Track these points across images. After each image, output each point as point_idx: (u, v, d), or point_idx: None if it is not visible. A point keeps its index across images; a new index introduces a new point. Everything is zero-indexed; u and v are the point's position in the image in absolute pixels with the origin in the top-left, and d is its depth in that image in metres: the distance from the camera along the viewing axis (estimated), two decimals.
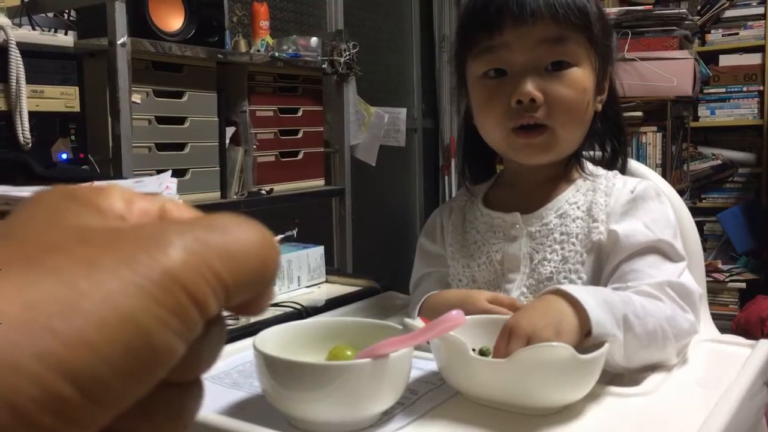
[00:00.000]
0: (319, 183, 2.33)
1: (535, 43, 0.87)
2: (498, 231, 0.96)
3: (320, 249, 1.27)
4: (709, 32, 3.57)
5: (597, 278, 0.88)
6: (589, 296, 0.72)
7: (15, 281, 0.19)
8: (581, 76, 0.89)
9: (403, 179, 3.43)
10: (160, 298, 0.20)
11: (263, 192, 2.06)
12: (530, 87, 0.87)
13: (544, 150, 0.91)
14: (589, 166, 0.97)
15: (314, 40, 2.25)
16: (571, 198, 0.93)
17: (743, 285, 3.30)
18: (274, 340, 0.66)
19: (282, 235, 1.32)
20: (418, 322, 0.66)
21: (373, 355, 0.58)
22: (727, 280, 3.32)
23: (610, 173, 0.96)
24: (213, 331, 0.23)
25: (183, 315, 0.20)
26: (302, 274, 1.21)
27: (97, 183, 1.06)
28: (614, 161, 1.00)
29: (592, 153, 1.00)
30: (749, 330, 2.82)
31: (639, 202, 0.89)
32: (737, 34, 3.52)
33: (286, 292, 1.18)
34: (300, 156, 2.25)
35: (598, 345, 0.66)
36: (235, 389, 0.70)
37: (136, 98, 1.71)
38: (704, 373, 0.78)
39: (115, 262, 0.20)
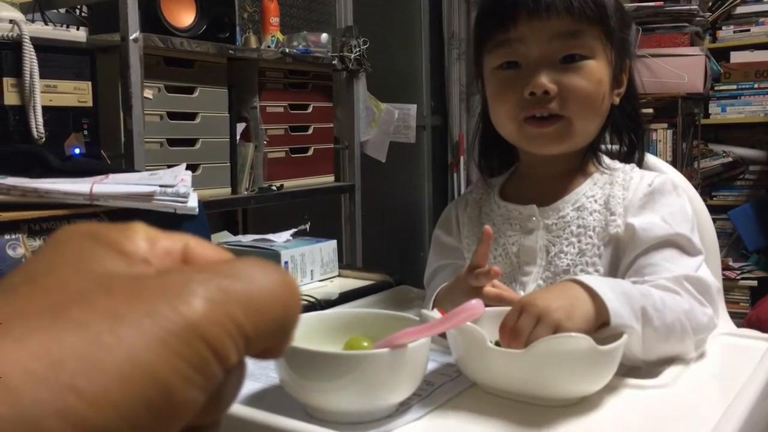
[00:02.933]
0: (329, 179, 2.33)
1: (549, 37, 0.87)
2: (514, 223, 0.96)
3: (333, 243, 1.27)
4: (720, 29, 3.55)
5: (614, 271, 0.88)
6: (606, 287, 0.72)
7: (41, 336, 0.19)
8: (596, 68, 0.88)
9: (413, 176, 3.42)
10: (182, 352, 0.20)
11: (273, 188, 2.06)
12: (544, 79, 0.87)
13: (559, 139, 0.91)
14: (606, 159, 0.96)
15: (324, 36, 2.25)
16: (589, 191, 0.93)
17: (754, 283, 3.28)
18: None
19: (295, 229, 1.32)
20: (435, 314, 0.66)
21: (390, 345, 0.58)
22: (738, 277, 3.30)
23: (628, 167, 0.95)
24: (233, 375, 0.23)
25: (204, 369, 0.20)
26: (315, 268, 1.21)
27: (113, 175, 1.06)
28: (631, 155, 0.99)
29: (609, 147, 1.00)
30: (761, 328, 2.80)
31: (657, 195, 0.89)
32: (749, 30, 3.50)
33: (299, 286, 1.19)
34: (310, 152, 2.25)
35: (617, 336, 0.66)
36: (252, 380, 0.70)
37: (148, 94, 1.72)
38: (722, 367, 0.78)
39: (138, 315, 0.20)
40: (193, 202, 1.04)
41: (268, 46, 2.11)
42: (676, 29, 3.09)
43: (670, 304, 0.75)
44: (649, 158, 1.04)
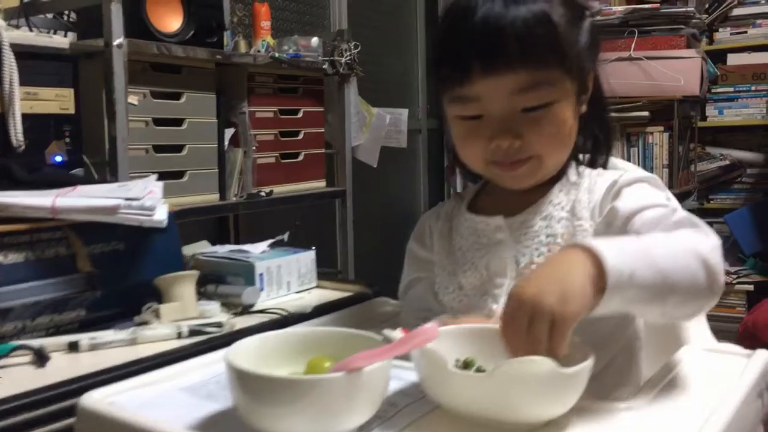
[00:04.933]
0: (320, 185, 2.32)
1: (507, 93, 0.84)
2: (482, 236, 0.95)
3: (311, 254, 1.25)
4: (717, 31, 3.53)
5: None
6: (603, 241, 0.70)
7: None
8: (561, 109, 0.87)
9: (408, 180, 3.41)
10: None
11: (263, 194, 2.05)
12: (506, 138, 0.86)
13: (530, 176, 0.91)
14: (580, 169, 0.96)
15: (315, 40, 2.23)
16: (555, 199, 0.93)
17: (751, 287, 3.26)
18: (249, 351, 0.64)
19: (272, 240, 1.30)
20: (398, 334, 0.65)
21: (346, 369, 0.56)
22: (734, 282, 3.28)
23: (594, 172, 0.95)
24: None
25: None
26: (292, 280, 1.19)
27: (81, 187, 1.05)
28: (597, 158, 0.98)
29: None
30: (757, 333, 2.79)
31: (623, 187, 0.89)
32: (746, 32, 3.48)
33: (275, 297, 1.17)
34: (300, 157, 2.24)
35: (582, 358, 0.64)
36: (210, 401, 0.68)
37: (133, 100, 1.70)
38: (697, 385, 0.76)
39: None
40: (160, 215, 1.03)
41: (258, 51, 2.09)
42: (672, 31, 3.06)
43: (675, 241, 0.73)
44: (617, 162, 1.03)
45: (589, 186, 0.92)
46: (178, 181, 1.84)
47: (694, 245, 0.73)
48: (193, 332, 0.99)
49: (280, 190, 2.13)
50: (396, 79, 3.23)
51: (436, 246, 0.99)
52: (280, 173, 2.15)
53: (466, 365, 0.70)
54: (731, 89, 3.46)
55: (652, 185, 0.90)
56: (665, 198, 0.88)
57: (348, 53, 2.26)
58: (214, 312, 1.06)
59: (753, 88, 3.42)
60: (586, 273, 0.67)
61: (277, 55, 2.08)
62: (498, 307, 0.89)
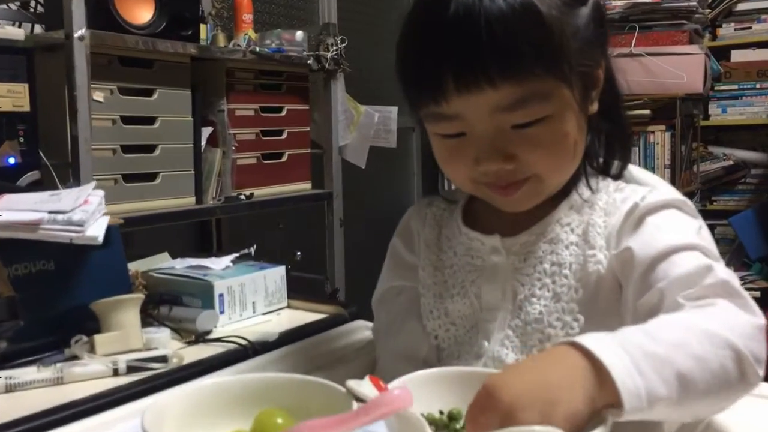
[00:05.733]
0: (305, 187, 2.19)
1: (490, 111, 0.70)
2: (475, 256, 0.81)
3: (280, 270, 1.12)
4: (720, 26, 3.41)
5: (595, 320, 0.73)
6: (615, 347, 0.55)
7: None
8: (558, 122, 0.71)
9: (400, 181, 3.28)
10: None
11: (242, 197, 1.92)
12: (495, 164, 0.71)
13: (529, 199, 0.76)
14: (593, 181, 0.80)
15: (299, 34, 2.11)
16: (564, 218, 0.78)
17: (757, 294, 3.13)
18: (181, 404, 0.52)
19: (236, 254, 1.17)
20: (365, 385, 0.52)
21: None
22: None
23: (612, 185, 0.80)
24: None
25: None
26: (258, 300, 1.06)
27: (7, 196, 0.92)
28: (610, 166, 0.82)
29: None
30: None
31: (647, 215, 0.73)
32: (750, 28, 3.36)
33: (238, 321, 1.04)
34: (284, 158, 2.11)
35: (596, 422, 0.51)
36: None
37: (99, 96, 1.57)
38: None
39: None
40: (94, 231, 0.90)
41: (238, 45, 1.97)
42: (674, 27, 2.96)
43: (712, 330, 0.58)
44: (634, 171, 0.85)
45: (606, 205, 0.77)
46: (150, 183, 1.72)
47: (728, 332, 0.59)
48: (131, 368, 0.85)
49: (262, 192, 2.01)
50: (385, 76, 3.10)
51: (422, 257, 0.85)
52: (262, 175, 2.03)
53: (452, 419, 0.58)
54: (735, 87, 3.34)
55: (684, 212, 0.75)
56: (697, 230, 0.73)
57: (334, 48, 2.13)
58: (163, 341, 0.92)
59: (757, 85, 3.31)
60: (586, 394, 0.54)
61: (257, 49, 1.95)
62: (489, 345, 0.76)
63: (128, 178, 1.65)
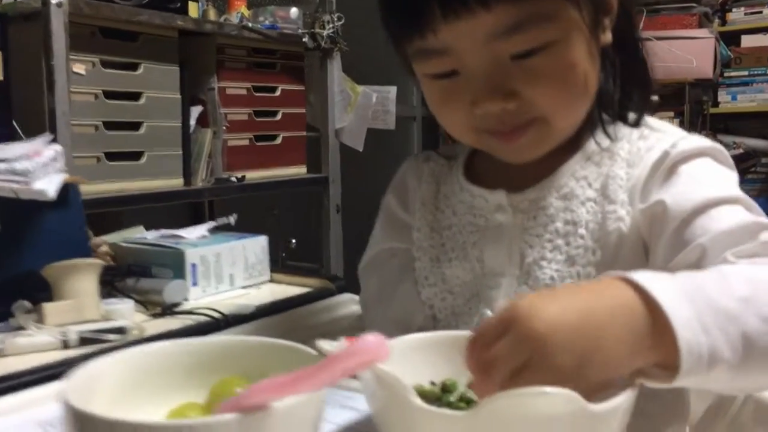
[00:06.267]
0: (300, 171, 2.11)
1: (484, 40, 0.61)
2: (478, 215, 0.72)
3: (261, 240, 1.03)
4: (730, 11, 3.33)
5: None
6: (680, 293, 0.45)
7: None
8: (567, 50, 0.63)
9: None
10: None
11: (233, 179, 1.83)
12: (495, 103, 0.62)
13: (536, 146, 0.67)
14: (612, 128, 0.70)
15: (294, 11, 2.02)
16: (580, 170, 0.69)
17: None
18: (117, 373, 0.43)
19: (214, 223, 1.09)
20: (341, 346, 0.43)
21: (241, 407, 0.35)
22: None
23: (635, 133, 0.70)
24: None
25: None
26: (237, 272, 0.97)
27: None
28: (627, 111, 0.71)
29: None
30: None
31: (680, 165, 0.64)
32: (761, 12, 3.27)
33: (213, 294, 0.95)
34: (278, 140, 2.03)
35: (616, 387, 0.43)
36: None
37: (79, 68, 1.49)
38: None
39: None
40: (44, 185, 0.81)
41: (227, 20, 1.88)
42: (682, 10, 2.88)
43: None
44: (653, 122, 0.72)
45: (629, 155, 0.68)
46: (135, 162, 1.63)
47: None
48: (84, 340, 0.76)
49: (255, 175, 1.93)
50: (384, 55, 3.01)
51: (417, 216, 0.76)
52: (255, 157, 1.95)
53: (445, 390, 0.49)
54: (745, 73, 3.26)
55: (721, 162, 0.66)
56: (737, 182, 0.64)
57: (330, 25, 2.05)
58: (124, 313, 0.83)
59: None
60: (633, 345, 0.45)
61: (250, 24, 1.87)
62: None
63: (111, 156, 1.57)
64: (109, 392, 0.43)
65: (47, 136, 0.91)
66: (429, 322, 0.72)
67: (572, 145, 0.70)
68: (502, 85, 0.62)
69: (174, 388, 0.47)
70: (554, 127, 0.66)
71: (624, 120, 0.71)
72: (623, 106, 0.71)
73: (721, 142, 2.73)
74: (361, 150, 2.15)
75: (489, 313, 0.67)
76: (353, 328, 0.76)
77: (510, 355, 0.43)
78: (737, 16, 3.31)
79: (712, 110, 3.26)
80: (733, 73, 3.28)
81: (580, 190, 0.68)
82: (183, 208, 2.20)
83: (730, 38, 3.30)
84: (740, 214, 0.59)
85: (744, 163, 3.35)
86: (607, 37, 0.67)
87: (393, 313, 0.75)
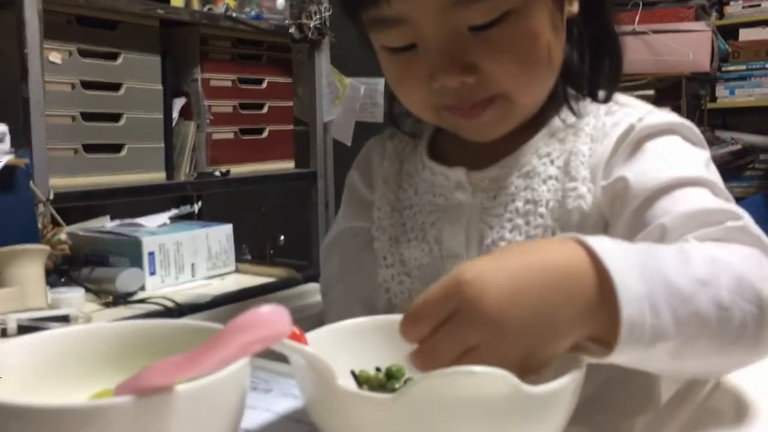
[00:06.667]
0: (287, 165, 2.07)
1: (441, 8, 0.58)
2: (438, 194, 0.68)
3: (226, 228, 1.00)
4: (728, 3, 3.27)
5: None
6: (634, 269, 0.42)
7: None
8: (528, 20, 0.59)
9: None
10: None
11: (217, 173, 1.80)
12: (453, 78, 0.59)
13: (500, 124, 0.64)
14: (577, 103, 0.66)
15: (280, 1, 1.99)
16: (543, 147, 0.65)
17: None
18: (24, 359, 0.40)
19: (176, 210, 1.05)
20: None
21: (138, 390, 0.31)
22: None
23: (602, 108, 0.66)
24: None
25: None
26: (199, 261, 0.93)
27: None
28: (596, 87, 0.68)
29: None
30: None
31: (646, 139, 0.61)
32: (759, 5, 3.22)
33: (173, 284, 0.91)
34: (264, 134, 1.99)
35: (566, 365, 0.39)
36: None
37: (55, 57, 1.46)
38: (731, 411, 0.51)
39: None
40: None
41: (210, 9, 1.85)
42: (679, 2, 2.85)
43: (743, 279, 0.46)
44: (622, 99, 0.69)
45: (593, 131, 0.64)
46: (115, 155, 1.60)
47: (761, 285, 0.46)
48: (23, 329, 0.73)
49: (240, 170, 1.89)
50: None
51: (378, 194, 0.73)
52: (240, 151, 1.91)
53: (390, 377, 0.46)
54: (743, 67, 3.20)
55: (689, 140, 0.63)
56: (705, 162, 0.61)
57: (318, 16, 2.01)
58: (73, 301, 0.80)
59: (767, 65, 3.17)
60: (581, 320, 0.42)
61: (235, 14, 1.83)
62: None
63: (90, 148, 1.54)
64: (15, 380, 0.39)
65: None
66: (386, 306, 0.69)
67: (537, 122, 0.66)
68: (461, 58, 0.59)
69: (95, 375, 0.43)
70: (517, 104, 0.62)
71: (594, 97, 0.67)
72: (593, 82, 0.67)
73: (719, 138, 2.67)
74: (349, 144, 2.11)
75: None
76: (319, 315, 0.73)
77: (457, 340, 0.40)
78: (735, 9, 3.26)
79: (710, 105, 3.21)
80: (731, 68, 3.23)
81: (542, 167, 0.64)
82: (168, 205, 2.17)
83: (728, 32, 3.25)
84: (706, 197, 0.57)
85: (742, 159, 3.31)
86: (574, 7, 0.64)
87: (356, 292, 0.72)
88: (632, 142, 0.61)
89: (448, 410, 0.35)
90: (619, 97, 0.68)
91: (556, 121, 0.66)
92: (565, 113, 0.66)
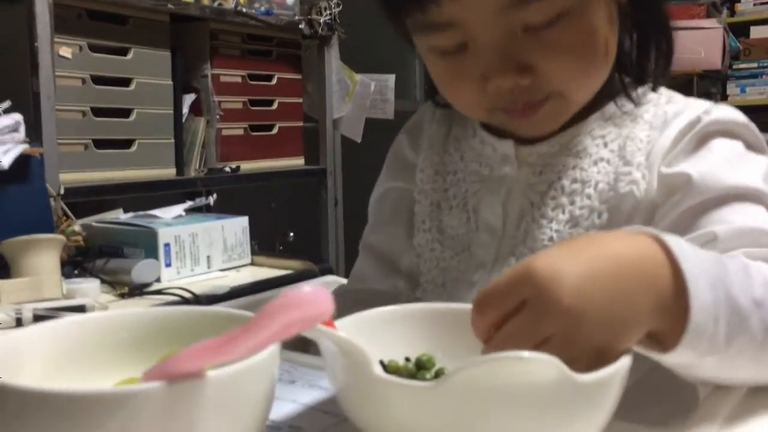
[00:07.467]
0: (297, 162, 2.06)
1: (496, 10, 0.55)
2: (484, 164, 0.67)
3: (242, 221, 0.98)
4: (739, 1, 3.25)
5: None
6: (705, 278, 0.42)
7: None
8: (586, 17, 0.57)
9: None
10: None
11: (227, 169, 1.79)
12: (508, 79, 0.57)
13: (554, 119, 0.63)
14: (635, 91, 0.64)
15: None
16: (598, 129, 0.64)
17: None
18: (48, 345, 0.39)
19: (191, 202, 1.04)
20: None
21: (168, 375, 0.30)
22: None
23: (663, 97, 0.64)
24: None
25: None
26: (214, 253, 0.92)
27: None
28: (645, 74, 0.65)
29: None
30: None
31: (711, 137, 0.59)
32: None
33: (189, 276, 0.90)
34: (274, 130, 1.98)
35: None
36: None
37: (65, 52, 1.45)
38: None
39: None
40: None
41: (220, 4, 1.84)
42: (690, 0, 2.81)
43: None
44: (667, 92, 0.67)
45: (653, 118, 0.63)
46: (125, 151, 1.59)
47: None
48: (39, 318, 0.72)
49: (250, 166, 1.88)
50: (382, 42, 2.95)
51: (422, 156, 0.71)
52: (250, 147, 1.90)
53: (420, 366, 0.44)
54: (755, 65, 3.18)
55: (751, 143, 0.61)
56: (764, 174, 0.59)
57: (328, 12, 2.00)
58: (88, 292, 0.78)
59: None
60: (650, 317, 0.41)
61: (245, 10, 1.82)
62: (478, 282, 0.62)
63: (100, 143, 1.52)
64: (39, 366, 0.38)
65: (5, 104, 0.86)
66: (413, 271, 0.68)
67: (590, 106, 0.64)
68: (515, 58, 0.57)
69: (118, 363, 0.42)
70: (571, 100, 0.61)
71: (643, 81, 0.65)
72: (642, 69, 0.65)
73: None
74: (359, 141, 2.10)
75: (474, 276, 0.63)
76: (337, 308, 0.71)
77: (531, 332, 0.38)
78: (746, 6, 3.24)
79: (721, 103, 3.19)
80: (742, 65, 3.21)
81: (594, 148, 0.63)
82: (178, 201, 2.16)
83: (739, 29, 3.23)
84: (762, 215, 0.56)
85: None
86: None
87: (380, 244, 0.72)
88: (698, 135, 0.60)
89: (491, 399, 0.33)
90: (663, 90, 0.66)
91: (611, 107, 0.65)
92: (621, 101, 0.64)
